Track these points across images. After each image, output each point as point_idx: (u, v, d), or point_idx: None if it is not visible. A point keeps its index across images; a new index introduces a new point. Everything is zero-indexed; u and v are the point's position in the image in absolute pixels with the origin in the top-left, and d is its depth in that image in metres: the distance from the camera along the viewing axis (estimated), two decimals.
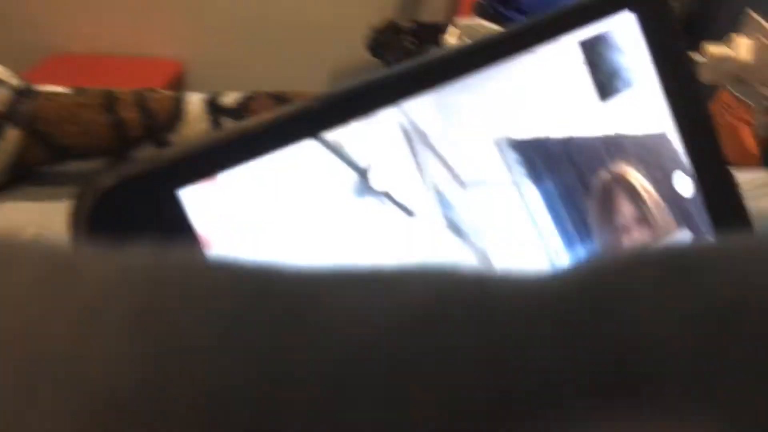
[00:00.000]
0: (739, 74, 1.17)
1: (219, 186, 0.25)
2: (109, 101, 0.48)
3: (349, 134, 0.27)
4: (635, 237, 0.35)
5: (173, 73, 1.93)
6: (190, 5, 1.94)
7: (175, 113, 0.49)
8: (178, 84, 1.96)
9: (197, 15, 1.96)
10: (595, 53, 0.34)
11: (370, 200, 0.28)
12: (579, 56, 0.34)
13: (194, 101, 0.50)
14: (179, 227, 0.24)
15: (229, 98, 0.50)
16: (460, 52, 0.30)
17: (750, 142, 1.07)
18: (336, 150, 0.27)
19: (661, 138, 0.36)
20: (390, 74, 0.28)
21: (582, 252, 0.33)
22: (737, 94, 1.08)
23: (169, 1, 1.93)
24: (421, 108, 0.29)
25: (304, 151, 0.26)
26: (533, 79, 0.33)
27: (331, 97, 0.27)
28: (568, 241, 0.33)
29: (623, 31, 0.35)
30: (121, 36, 1.96)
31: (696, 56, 1.21)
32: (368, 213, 0.28)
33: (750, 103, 1.08)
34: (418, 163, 0.29)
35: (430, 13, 1.94)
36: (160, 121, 0.48)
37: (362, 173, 0.28)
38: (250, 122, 0.25)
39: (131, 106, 0.48)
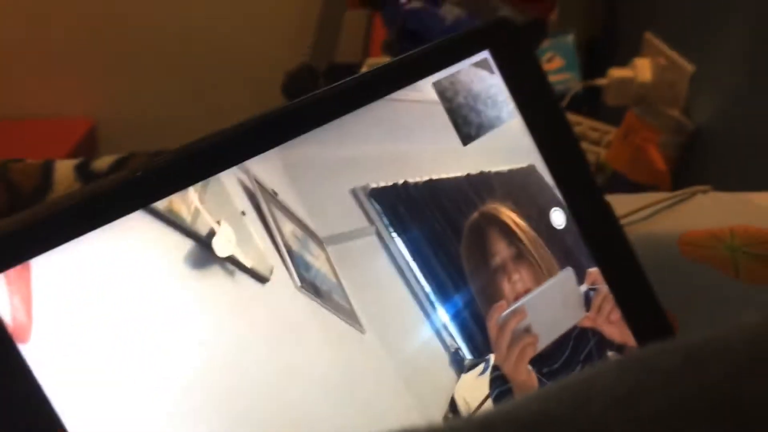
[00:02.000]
0: (642, 95, 1.20)
1: (37, 272, 0.23)
2: None
3: (185, 201, 0.26)
4: (514, 278, 0.34)
5: (84, 131, 1.88)
6: (96, 62, 1.90)
7: (42, 183, 0.47)
8: (91, 142, 1.91)
9: (105, 70, 1.92)
10: (452, 95, 0.34)
11: (215, 270, 0.26)
12: (436, 99, 0.33)
13: (63, 168, 0.48)
14: None
15: (103, 162, 0.48)
16: (305, 104, 0.29)
17: (658, 160, 1.10)
18: (170, 220, 0.25)
19: (531, 173, 0.36)
20: (228, 134, 0.27)
21: (456, 298, 0.32)
22: (642, 115, 1.11)
23: (75, 59, 1.89)
24: (266, 165, 0.28)
25: (133, 225, 0.25)
26: (389, 125, 0.32)
27: (161, 163, 0.25)
28: (440, 289, 0.32)
29: (481, 71, 0.35)
30: (27, 98, 1.90)
31: (600, 81, 1.25)
32: (214, 284, 0.26)
33: (654, 122, 1.11)
34: (267, 224, 0.28)
35: (344, 54, 1.95)
36: (25, 193, 0.46)
37: (203, 242, 0.26)
38: (65, 198, 0.23)
39: None
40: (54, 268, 0.23)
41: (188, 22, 1.91)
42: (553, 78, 1.33)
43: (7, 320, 0.22)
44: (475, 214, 0.34)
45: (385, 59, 1.32)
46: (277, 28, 1.97)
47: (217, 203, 0.26)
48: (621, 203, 0.52)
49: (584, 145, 1.21)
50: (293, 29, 1.96)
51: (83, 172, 0.46)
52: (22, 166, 0.48)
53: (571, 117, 1.23)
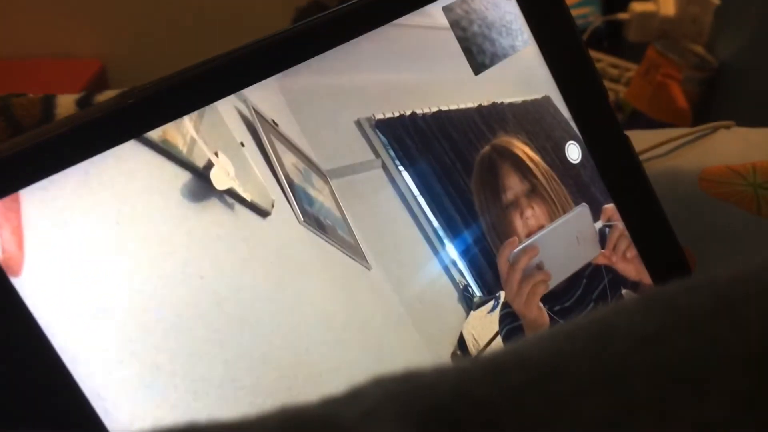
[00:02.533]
0: (664, 30, 1.16)
1: (27, 203, 0.22)
2: None
3: (180, 131, 0.25)
4: (527, 213, 0.33)
5: (93, 71, 1.86)
6: (105, 1, 1.87)
7: (44, 118, 0.45)
8: (100, 83, 1.89)
9: (113, 10, 1.89)
10: (463, 21, 0.32)
11: (213, 203, 0.25)
12: (446, 25, 0.32)
13: (65, 103, 0.47)
14: None
15: (106, 97, 0.47)
16: (306, 29, 0.27)
17: (680, 97, 1.07)
18: (165, 150, 0.24)
19: (546, 104, 0.34)
20: (224, 60, 0.25)
21: (465, 234, 0.31)
22: (664, 51, 1.08)
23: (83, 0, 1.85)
24: (265, 94, 0.27)
25: (126, 155, 0.24)
26: (395, 52, 0.30)
27: (154, 91, 0.24)
28: (449, 224, 0.30)
29: None
30: (36, 38, 1.87)
31: (622, 15, 1.20)
32: (213, 217, 0.25)
33: (677, 58, 1.07)
34: (267, 156, 0.27)
35: None
36: (27, 127, 0.45)
37: (200, 173, 0.25)
38: (53, 127, 0.22)
39: None
40: (45, 199, 0.22)
41: None
42: (572, 12, 1.28)
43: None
44: (487, 147, 0.32)
45: None
46: None
47: (214, 134, 0.25)
48: (640, 139, 0.50)
49: (604, 82, 1.17)
50: None
51: (85, 105, 0.45)
52: (23, 101, 0.47)
53: (592, 53, 1.19)
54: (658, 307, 0.14)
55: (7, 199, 0.22)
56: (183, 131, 0.25)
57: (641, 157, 0.47)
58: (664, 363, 0.13)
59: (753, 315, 0.13)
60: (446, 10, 0.32)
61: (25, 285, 0.22)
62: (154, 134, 0.24)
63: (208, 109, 0.25)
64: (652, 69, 1.09)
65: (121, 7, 1.89)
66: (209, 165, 0.25)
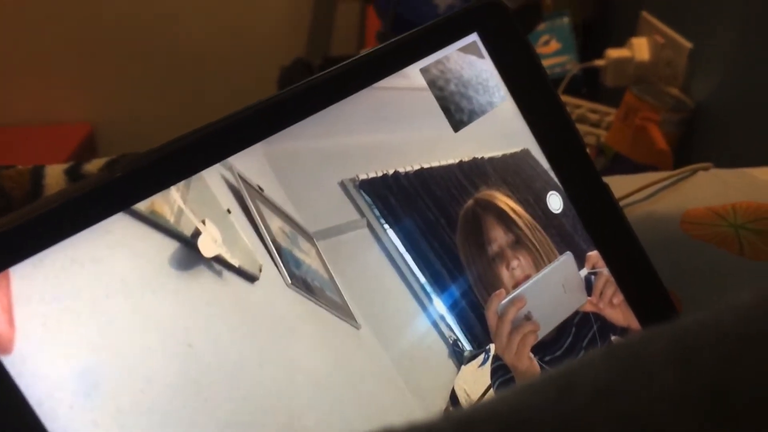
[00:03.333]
0: (640, 74, 1.19)
1: (17, 280, 0.22)
2: None
3: (168, 201, 0.25)
4: (512, 265, 0.34)
5: (83, 135, 1.88)
6: (93, 66, 1.89)
7: (33, 189, 0.46)
8: (91, 147, 1.90)
9: (102, 74, 1.92)
10: (440, 81, 0.33)
11: (201, 270, 0.25)
12: (424, 86, 0.33)
13: (53, 173, 0.47)
14: None
15: (94, 165, 0.47)
16: (288, 97, 0.28)
17: (660, 139, 1.09)
18: (153, 221, 0.25)
19: (525, 157, 0.35)
20: (209, 130, 0.26)
21: (452, 289, 0.31)
22: (641, 95, 1.10)
23: (71, 65, 1.88)
24: (250, 160, 0.27)
25: (115, 228, 0.24)
26: (376, 114, 0.31)
27: (141, 163, 0.24)
28: (435, 280, 0.31)
29: (470, 55, 0.34)
30: (26, 105, 1.90)
31: (598, 62, 1.23)
32: (202, 285, 0.25)
33: (654, 101, 1.10)
34: (253, 221, 0.27)
35: (339, 47, 1.94)
36: (16, 199, 0.45)
37: (188, 242, 0.25)
38: (42, 203, 0.23)
39: None
40: (35, 276, 0.22)
41: (183, 24, 1.90)
42: (550, 61, 1.32)
43: None
44: (470, 202, 0.33)
45: None
46: (272, 26, 1.96)
47: (201, 202, 0.26)
48: (621, 184, 0.51)
49: (584, 127, 1.20)
50: (288, 25, 1.94)
51: (74, 176, 0.46)
52: (12, 173, 0.47)
53: (570, 100, 1.21)
54: (619, 358, 0.14)
55: None
56: (170, 201, 0.25)
57: (623, 202, 0.48)
58: (620, 415, 0.13)
59: (707, 364, 0.13)
60: (423, 71, 0.33)
61: (15, 363, 0.22)
62: (142, 206, 0.24)
63: (194, 178, 0.26)
64: (631, 113, 1.11)
65: (107, 71, 1.92)
66: (197, 233, 0.25)
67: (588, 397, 0.13)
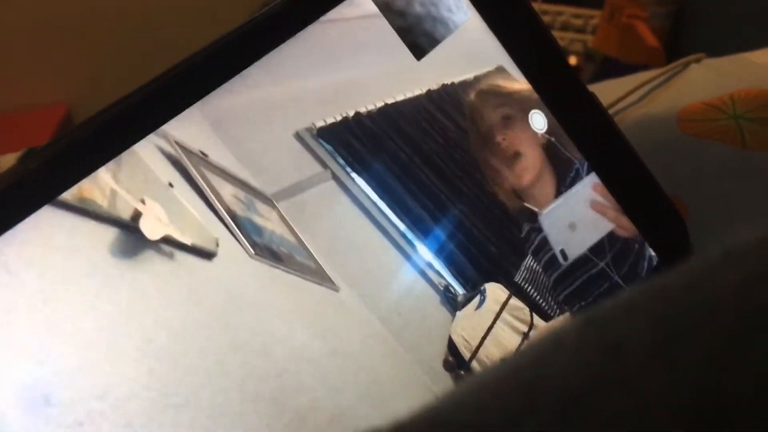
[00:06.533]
0: None
1: None
2: None
3: (98, 185, 0.22)
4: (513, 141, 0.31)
5: (60, 117, 1.83)
6: (70, 47, 1.84)
7: None
8: (68, 128, 1.87)
9: (76, 54, 1.86)
10: (394, 3, 0.29)
11: (149, 255, 0.23)
12: (376, 12, 0.29)
13: (7, 160, 0.44)
14: None
15: (6, 161, 0.44)
16: (218, 49, 0.25)
17: (649, 36, 1.04)
18: (84, 209, 0.22)
19: (500, 75, 0.32)
20: (133, 99, 0.23)
21: (436, 231, 0.29)
22: None
23: (43, 46, 1.82)
24: (187, 125, 0.24)
25: (42, 224, 0.21)
26: (326, 52, 0.28)
27: (57, 149, 0.21)
28: (416, 224, 0.28)
29: None
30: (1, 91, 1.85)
31: None
32: (153, 271, 0.23)
33: None
34: (201, 191, 0.24)
35: None
36: None
37: (129, 226, 0.23)
38: None
39: None
40: None
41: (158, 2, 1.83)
42: None
43: None
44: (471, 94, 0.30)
45: None
46: (246, 4, 1.88)
47: (137, 179, 0.23)
48: (610, 89, 0.48)
49: (570, 35, 1.15)
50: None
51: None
52: None
53: (551, 7, 1.16)
54: (593, 348, 0.12)
55: None
56: (101, 184, 0.22)
57: (613, 109, 0.45)
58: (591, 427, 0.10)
59: (691, 357, 0.11)
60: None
61: None
62: (69, 195, 0.22)
63: (125, 154, 0.23)
64: (616, 12, 1.06)
65: (81, 51, 1.86)
66: (137, 215, 0.23)
67: (552, 413, 0.11)
